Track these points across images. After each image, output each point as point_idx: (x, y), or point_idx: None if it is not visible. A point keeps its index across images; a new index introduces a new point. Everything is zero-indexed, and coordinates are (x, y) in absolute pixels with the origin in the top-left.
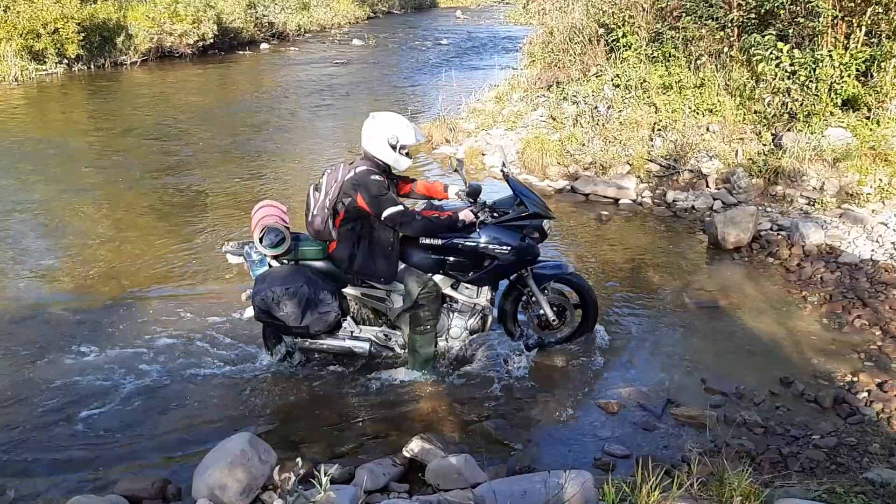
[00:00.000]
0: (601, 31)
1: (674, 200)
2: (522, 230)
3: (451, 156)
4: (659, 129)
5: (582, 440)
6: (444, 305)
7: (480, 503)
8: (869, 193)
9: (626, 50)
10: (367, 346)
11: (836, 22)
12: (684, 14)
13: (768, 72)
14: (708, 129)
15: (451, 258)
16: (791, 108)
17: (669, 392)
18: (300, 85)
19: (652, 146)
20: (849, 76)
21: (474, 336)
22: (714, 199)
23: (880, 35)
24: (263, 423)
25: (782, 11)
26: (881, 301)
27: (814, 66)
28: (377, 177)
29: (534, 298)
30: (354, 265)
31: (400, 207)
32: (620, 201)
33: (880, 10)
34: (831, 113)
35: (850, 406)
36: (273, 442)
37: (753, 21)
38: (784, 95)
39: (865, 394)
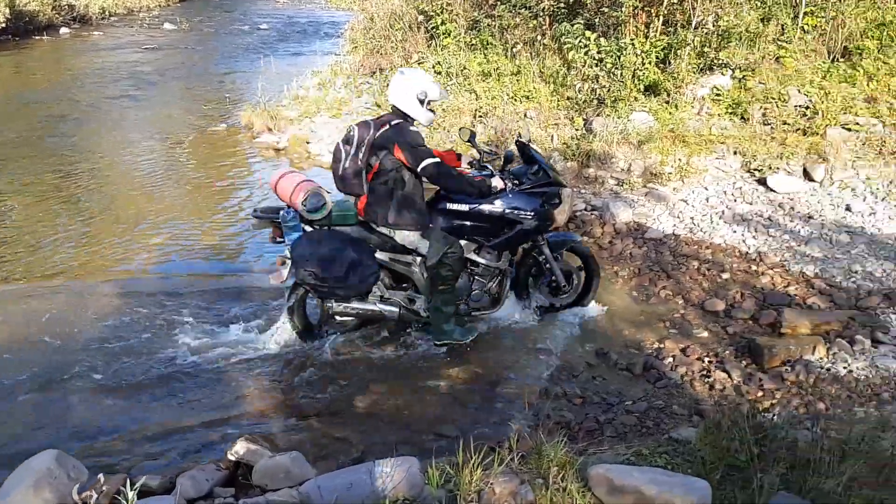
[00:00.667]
0: (421, 17)
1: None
2: (542, 197)
3: (462, 127)
4: (480, 116)
5: (414, 425)
6: (466, 269)
7: (306, 500)
8: (670, 173)
9: (446, 37)
10: (396, 309)
11: (637, 12)
12: (499, 2)
13: (578, 59)
14: (525, 115)
15: (475, 223)
16: (599, 95)
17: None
18: (106, 73)
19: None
20: (649, 63)
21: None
22: None
23: (676, 24)
24: (76, 438)
25: (589, 1)
26: (682, 272)
27: (618, 53)
28: (414, 128)
29: (548, 265)
30: (389, 218)
31: (437, 159)
32: None
33: (675, 2)
34: (635, 98)
35: (658, 371)
36: (87, 457)
37: (563, 10)
38: (593, 82)
39: (671, 359)
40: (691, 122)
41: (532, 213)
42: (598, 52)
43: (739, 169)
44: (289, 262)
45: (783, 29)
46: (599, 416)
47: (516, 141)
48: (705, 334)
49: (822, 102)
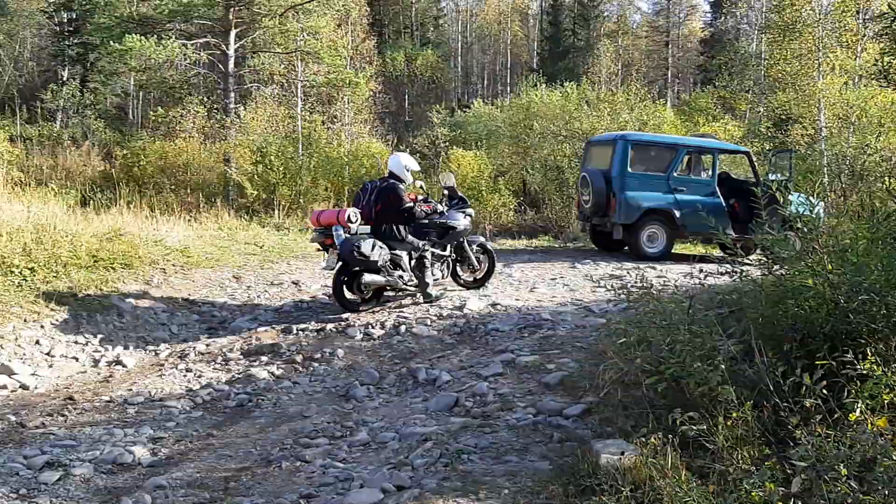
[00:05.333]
0: None
1: None
2: (464, 213)
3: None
4: None
5: None
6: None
7: None
8: None
9: None
10: (398, 281)
11: None
12: None
13: None
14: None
15: (431, 229)
16: None
17: None
18: None
19: None
20: None
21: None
22: None
23: None
24: None
25: None
26: None
27: None
28: (401, 186)
29: (466, 255)
30: (387, 233)
31: (410, 203)
32: None
33: None
34: None
35: None
36: None
37: None
38: None
39: None
40: None
41: (461, 221)
42: None
43: None
44: (335, 253)
45: None
46: None
47: (444, 185)
48: None
49: None
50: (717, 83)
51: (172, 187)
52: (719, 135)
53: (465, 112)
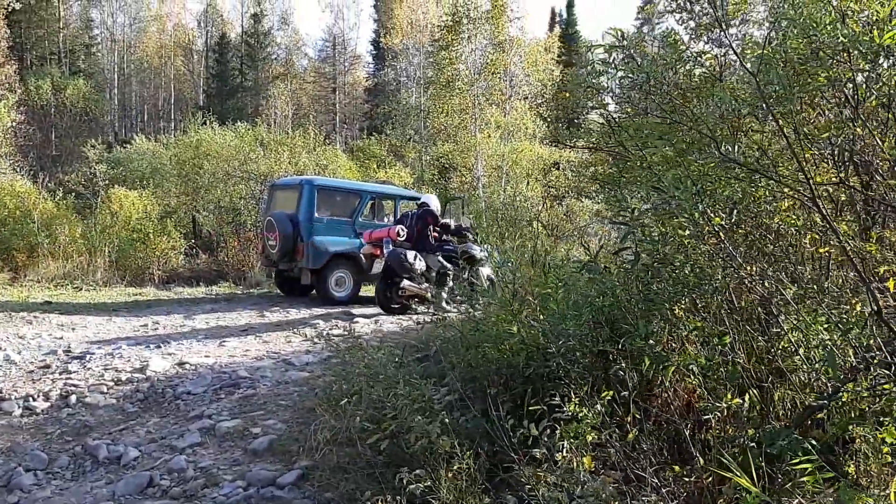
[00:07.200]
0: None
1: None
2: (482, 248)
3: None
4: None
5: None
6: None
7: None
8: None
9: None
10: (427, 292)
11: None
12: None
13: None
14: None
15: (452, 254)
16: None
17: None
18: None
19: None
20: None
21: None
22: None
23: None
24: None
25: None
26: None
27: None
28: (435, 212)
29: (480, 280)
30: (426, 250)
31: (445, 221)
32: None
33: None
34: None
35: None
36: None
37: None
38: None
39: None
40: None
41: (479, 252)
42: None
43: None
44: (383, 261)
45: None
46: None
47: (462, 225)
48: None
49: None
50: (385, 132)
51: None
52: (394, 180)
53: (125, 148)
